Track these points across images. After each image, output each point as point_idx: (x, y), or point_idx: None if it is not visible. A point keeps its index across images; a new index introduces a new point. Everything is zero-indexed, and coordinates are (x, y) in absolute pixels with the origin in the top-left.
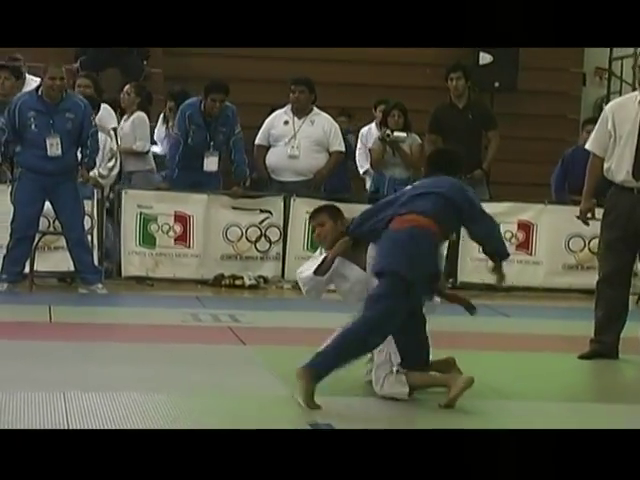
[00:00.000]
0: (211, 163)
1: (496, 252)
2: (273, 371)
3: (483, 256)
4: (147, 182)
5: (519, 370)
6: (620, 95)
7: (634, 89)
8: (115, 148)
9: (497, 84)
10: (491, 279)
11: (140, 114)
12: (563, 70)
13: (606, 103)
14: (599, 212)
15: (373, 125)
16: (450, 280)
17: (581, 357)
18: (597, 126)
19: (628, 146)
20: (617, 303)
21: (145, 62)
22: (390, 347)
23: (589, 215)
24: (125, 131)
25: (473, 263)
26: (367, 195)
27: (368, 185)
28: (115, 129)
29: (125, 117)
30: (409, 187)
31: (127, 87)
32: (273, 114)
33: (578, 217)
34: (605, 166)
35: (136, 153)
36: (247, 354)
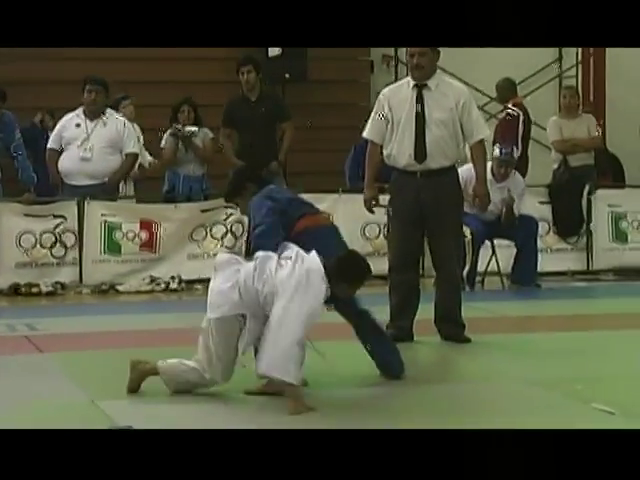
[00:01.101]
0: None
1: None
2: (72, 377)
3: None
4: None
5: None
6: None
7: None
8: None
9: (287, 75)
10: None
11: None
12: (351, 59)
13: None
14: (384, 199)
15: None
16: None
17: None
18: (373, 114)
19: (407, 131)
20: (409, 288)
21: None
22: None
23: (373, 202)
24: None
25: None
26: (163, 195)
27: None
28: None
29: None
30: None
31: None
32: (65, 117)
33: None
34: (385, 152)
35: None
36: (44, 362)
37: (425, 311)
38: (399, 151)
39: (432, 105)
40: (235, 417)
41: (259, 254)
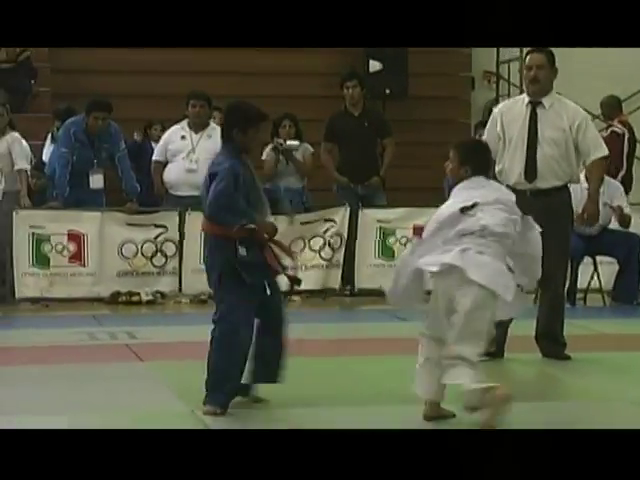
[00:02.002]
0: (97, 181)
1: None
2: (170, 387)
3: (380, 262)
4: (16, 202)
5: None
6: (509, 97)
7: (521, 92)
8: None
9: (388, 91)
10: (388, 285)
11: (13, 134)
12: (452, 75)
13: (495, 106)
14: None
15: None
16: (348, 287)
17: None
18: (487, 128)
19: (519, 148)
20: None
21: (33, 81)
22: None
23: None
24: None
25: (370, 269)
26: None
27: None
28: None
29: None
30: None
31: None
32: (169, 130)
33: None
34: (497, 168)
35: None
36: (144, 371)
37: (527, 328)
38: (510, 168)
39: (545, 124)
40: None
41: None
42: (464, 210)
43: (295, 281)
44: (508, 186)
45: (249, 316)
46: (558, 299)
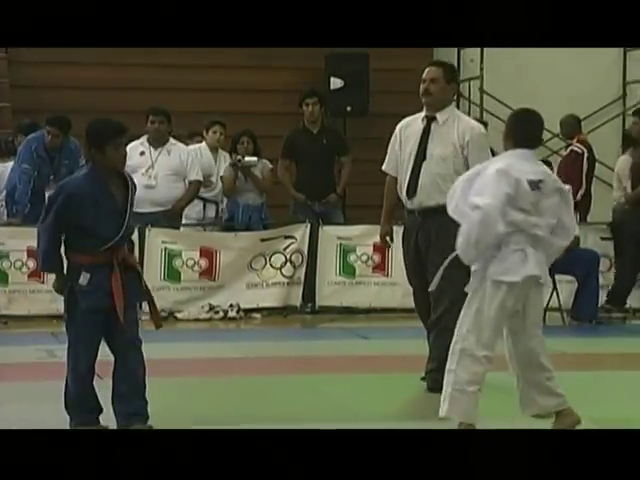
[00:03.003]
0: None
1: None
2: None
3: (341, 279)
4: None
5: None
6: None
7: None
8: None
9: (349, 108)
10: (349, 302)
11: None
12: (411, 93)
13: None
14: None
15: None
16: (309, 305)
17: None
18: (390, 145)
19: (409, 166)
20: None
21: None
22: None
23: (387, 239)
24: None
25: (331, 287)
26: (222, 223)
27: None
28: None
29: None
30: None
31: None
32: (129, 146)
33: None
34: (398, 186)
35: None
36: (102, 387)
37: None
38: (400, 186)
39: (436, 140)
40: None
41: None
42: (532, 185)
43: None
44: (406, 207)
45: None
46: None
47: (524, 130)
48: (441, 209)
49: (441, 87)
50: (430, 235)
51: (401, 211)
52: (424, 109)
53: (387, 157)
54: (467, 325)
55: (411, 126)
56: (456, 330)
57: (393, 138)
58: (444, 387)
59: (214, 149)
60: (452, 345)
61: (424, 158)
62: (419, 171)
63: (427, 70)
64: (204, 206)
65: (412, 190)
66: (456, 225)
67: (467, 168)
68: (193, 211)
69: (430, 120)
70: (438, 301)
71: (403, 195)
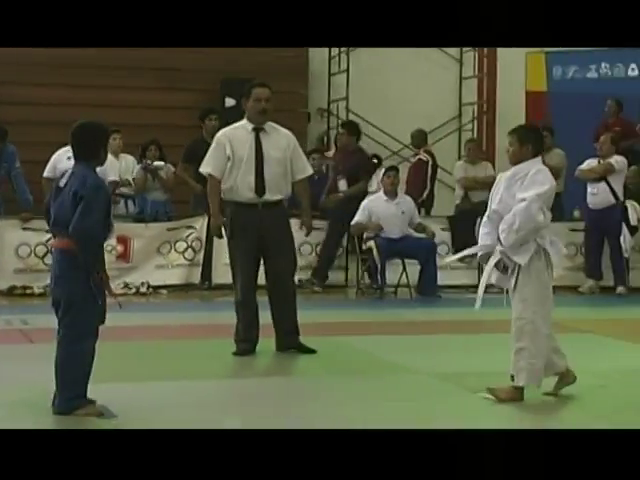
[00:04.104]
0: None
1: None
2: None
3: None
4: None
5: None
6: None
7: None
8: None
9: None
10: None
11: None
12: (292, 110)
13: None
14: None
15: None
16: (206, 282)
17: (235, 354)
18: (214, 152)
19: (249, 168)
20: (256, 307)
21: None
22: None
23: (220, 231)
24: None
25: (224, 268)
26: (133, 216)
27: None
28: None
29: None
30: None
31: None
32: (58, 151)
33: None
34: (226, 186)
35: None
36: (34, 351)
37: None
38: (242, 185)
39: (269, 146)
40: None
41: None
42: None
43: None
44: (237, 202)
45: None
46: (291, 295)
47: (541, 141)
48: (279, 202)
49: (272, 105)
50: (275, 221)
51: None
52: (249, 122)
53: (212, 162)
54: (532, 308)
55: (238, 135)
56: (520, 312)
57: (219, 145)
58: (517, 361)
59: (114, 153)
60: (522, 325)
61: (263, 161)
62: (262, 173)
63: (261, 91)
64: (125, 202)
65: (261, 188)
66: (287, 214)
67: (292, 168)
68: (117, 207)
69: (259, 130)
70: (284, 268)
71: (246, 191)
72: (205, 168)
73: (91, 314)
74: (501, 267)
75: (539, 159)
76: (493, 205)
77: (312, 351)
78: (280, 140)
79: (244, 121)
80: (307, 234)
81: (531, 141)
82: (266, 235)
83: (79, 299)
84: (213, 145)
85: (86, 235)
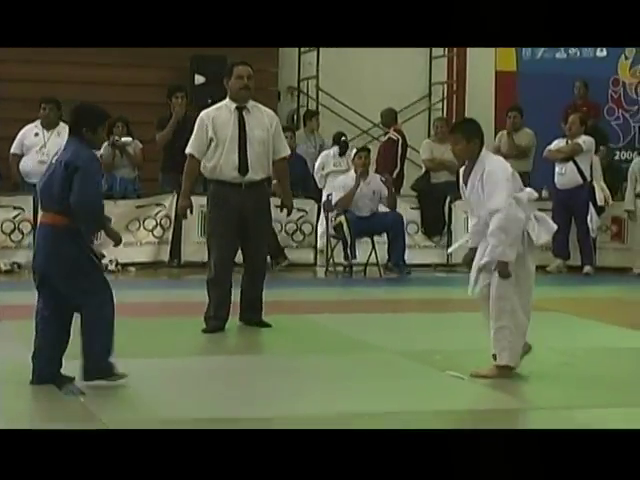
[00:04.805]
0: None
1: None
2: (22, 341)
3: (202, 240)
4: None
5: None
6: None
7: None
8: None
9: (210, 100)
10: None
11: None
12: (263, 89)
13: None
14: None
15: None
16: (175, 260)
17: (205, 331)
18: (196, 133)
19: (232, 147)
20: (227, 287)
21: None
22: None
23: (187, 211)
24: None
25: (193, 246)
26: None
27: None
28: None
29: None
30: None
31: None
32: (25, 128)
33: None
34: (210, 165)
35: None
36: (2, 328)
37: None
38: (225, 164)
39: (253, 125)
40: None
41: None
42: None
43: None
44: (221, 181)
45: None
46: (261, 276)
47: (482, 132)
48: (262, 182)
49: (253, 83)
50: (257, 200)
51: None
52: (232, 100)
53: (195, 142)
54: (512, 289)
55: (221, 115)
56: (502, 293)
57: (201, 126)
58: (498, 340)
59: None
60: (502, 306)
61: (247, 141)
62: (246, 152)
63: (242, 68)
64: None
65: (244, 167)
66: (269, 193)
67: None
68: None
69: (241, 109)
70: (262, 246)
71: (230, 171)
72: (188, 149)
73: (99, 279)
74: (490, 268)
75: (486, 151)
76: (475, 208)
77: (268, 325)
78: (263, 119)
79: (227, 100)
80: (288, 214)
81: (477, 135)
82: (248, 216)
83: (81, 272)
84: (196, 126)
85: (90, 205)
